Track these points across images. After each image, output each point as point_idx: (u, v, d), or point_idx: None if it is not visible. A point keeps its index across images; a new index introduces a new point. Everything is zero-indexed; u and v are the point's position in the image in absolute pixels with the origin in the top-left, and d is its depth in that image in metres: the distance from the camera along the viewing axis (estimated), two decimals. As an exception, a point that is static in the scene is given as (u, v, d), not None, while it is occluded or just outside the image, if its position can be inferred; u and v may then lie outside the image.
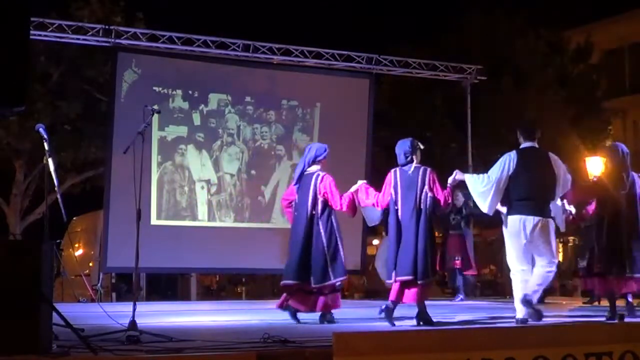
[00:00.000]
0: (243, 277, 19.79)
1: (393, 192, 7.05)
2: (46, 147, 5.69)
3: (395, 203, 7.03)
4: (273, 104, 12.88)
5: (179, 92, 12.25)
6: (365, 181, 7.55)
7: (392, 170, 7.20)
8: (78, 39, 12.01)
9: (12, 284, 4.67)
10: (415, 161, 7.16)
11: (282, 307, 7.42)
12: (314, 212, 7.23)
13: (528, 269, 6.74)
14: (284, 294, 7.43)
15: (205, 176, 12.43)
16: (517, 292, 6.68)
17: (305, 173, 7.38)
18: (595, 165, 13.77)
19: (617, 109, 23.12)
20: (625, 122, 24.49)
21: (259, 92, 12.78)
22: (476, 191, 6.90)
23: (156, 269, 12.54)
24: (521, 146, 6.93)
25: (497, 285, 18.78)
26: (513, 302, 6.87)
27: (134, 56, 12.02)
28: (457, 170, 7.18)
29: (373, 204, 7.32)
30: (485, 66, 14.65)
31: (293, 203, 7.47)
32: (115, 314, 6.31)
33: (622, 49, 24.51)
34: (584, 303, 11.15)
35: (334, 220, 7.33)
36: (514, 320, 6.81)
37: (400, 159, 7.19)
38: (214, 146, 12.49)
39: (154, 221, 11.89)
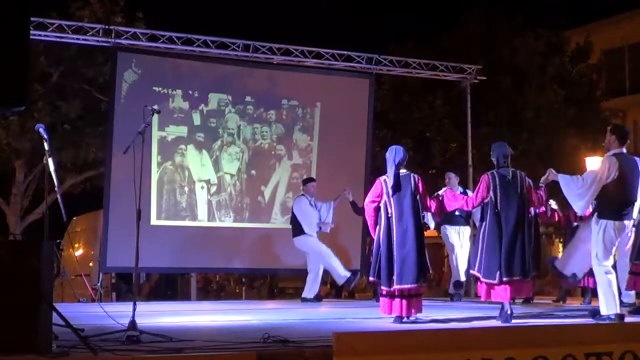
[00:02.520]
0: (243, 277, 19.78)
1: (493, 195, 7.25)
2: (46, 147, 5.70)
3: (495, 206, 7.23)
4: (273, 104, 12.87)
5: (179, 92, 12.24)
6: (448, 187, 7.73)
7: (489, 174, 7.37)
8: (78, 39, 11.99)
9: (12, 284, 4.67)
10: (510, 165, 7.42)
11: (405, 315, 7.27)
12: (419, 211, 7.32)
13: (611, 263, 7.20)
14: (400, 299, 7.26)
15: (205, 176, 12.42)
16: (605, 288, 7.03)
17: (401, 174, 7.40)
18: (595, 165, 13.84)
19: (617, 109, 23.14)
20: (625, 122, 24.47)
21: (259, 91, 12.77)
22: (571, 192, 7.17)
23: (156, 269, 12.55)
24: (615, 151, 7.17)
25: None
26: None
27: (134, 56, 12.01)
28: (550, 170, 7.43)
29: (462, 207, 7.64)
30: (485, 66, 14.65)
31: (382, 205, 7.38)
32: (115, 314, 6.31)
33: (622, 49, 24.52)
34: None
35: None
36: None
37: (500, 161, 7.42)
38: (214, 146, 12.49)
39: (153, 221, 11.88)
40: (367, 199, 7.59)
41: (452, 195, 7.71)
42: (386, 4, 34.92)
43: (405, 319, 7.26)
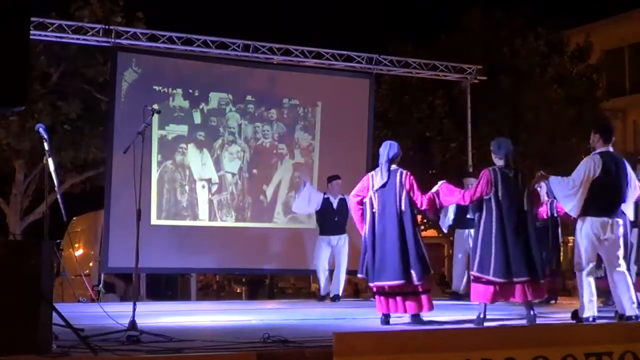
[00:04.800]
0: (243, 277, 19.79)
1: (494, 190, 7.10)
2: (46, 147, 5.70)
3: (497, 202, 7.07)
4: (274, 103, 12.86)
5: (179, 90, 12.23)
6: (445, 181, 7.53)
7: (490, 169, 7.22)
8: (78, 39, 11.99)
9: (12, 284, 4.67)
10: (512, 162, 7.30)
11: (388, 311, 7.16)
12: (403, 209, 7.17)
13: (594, 265, 7.08)
14: (382, 297, 7.18)
15: (206, 175, 12.41)
16: (587, 291, 6.96)
17: (391, 170, 7.29)
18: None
19: (617, 109, 23.15)
20: (625, 122, 24.51)
21: (260, 91, 12.76)
22: (562, 194, 7.15)
23: (156, 269, 12.49)
24: (600, 150, 7.12)
25: None
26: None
27: (134, 56, 12.00)
28: (542, 172, 7.39)
29: (458, 201, 7.44)
30: (485, 66, 14.64)
31: (367, 200, 7.31)
32: (115, 314, 6.31)
33: (622, 49, 24.54)
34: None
35: (416, 217, 7.42)
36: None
37: (508, 158, 7.24)
38: (214, 145, 12.47)
39: (154, 221, 11.86)
40: (351, 193, 7.55)
41: (448, 189, 7.41)
42: (386, 4, 34.94)
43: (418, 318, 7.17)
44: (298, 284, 24.17)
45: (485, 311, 7.05)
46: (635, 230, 8.02)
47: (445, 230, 8.95)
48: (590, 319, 6.84)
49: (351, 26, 34.35)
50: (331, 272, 11.07)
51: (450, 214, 8.36)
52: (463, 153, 15.37)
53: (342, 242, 10.93)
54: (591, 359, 4.77)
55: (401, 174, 7.29)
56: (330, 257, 11.04)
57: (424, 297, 7.19)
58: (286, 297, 20.52)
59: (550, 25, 19.22)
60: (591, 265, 7.00)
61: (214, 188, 12.42)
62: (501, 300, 7.12)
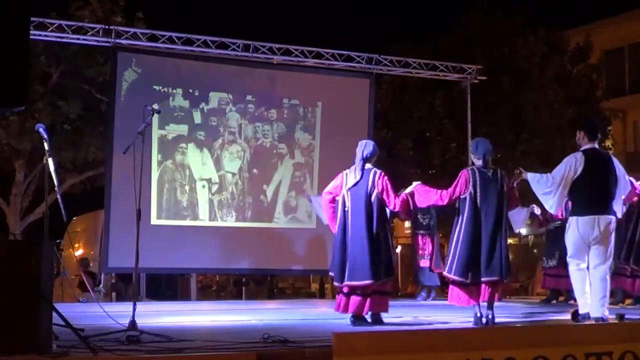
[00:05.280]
0: (243, 277, 19.78)
1: (472, 191, 7.01)
2: (46, 147, 5.70)
3: (475, 202, 6.99)
4: (274, 103, 12.87)
5: (179, 90, 12.24)
6: (420, 182, 7.45)
7: (469, 169, 7.15)
8: (78, 39, 12.01)
9: (12, 284, 4.67)
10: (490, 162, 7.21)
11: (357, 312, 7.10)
12: (372, 208, 7.13)
13: (585, 264, 6.97)
14: (354, 297, 7.11)
15: (207, 175, 12.42)
16: (578, 286, 6.94)
17: (365, 169, 7.26)
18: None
19: (617, 109, 23.13)
20: (625, 122, 24.50)
21: (260, 91, 12.78)
22: (540, 191, 7.04)
23: (156, 269, 12.51)
24: (584, 147, 7.04)
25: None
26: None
27: (134, 56, 12.01)
28: (520, 169, 7.29)
29: (436, 202, 7.25)
30: (485, 66, 14.64)
31: (339, 198, 7.29)
32: (115, 314, 6.31)
33: (622, 49, 24.53)
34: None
35: (388, 217, 7.38)
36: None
37: (486, 158, 7.15)
38: (215, 145, 12.48)
39: (154, 221, 11.87)
40: (324, 190, 7.52)
41: (424, 191, 7.29)
42: (386, 4, 34.96)
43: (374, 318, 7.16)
44: (298, 284, 24.21)
45: (481, 311, 7.00)
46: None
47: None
48: (586, 315, 6.80)
49: (351, 26, 34.40)
50: None
51: None
52: (463, 153, 15.36)
53: None
54: (591, 359, 4.77)
55: (375, 173, 7.24)
56: None
57: (369, 298, 7.11)
58: (286, 297, 20.50)
59: (550, 25, 19.20)
60: (583, 264, 6.93)
61: (214, 188, 12.42)
62: (475, 302, 6.99)
